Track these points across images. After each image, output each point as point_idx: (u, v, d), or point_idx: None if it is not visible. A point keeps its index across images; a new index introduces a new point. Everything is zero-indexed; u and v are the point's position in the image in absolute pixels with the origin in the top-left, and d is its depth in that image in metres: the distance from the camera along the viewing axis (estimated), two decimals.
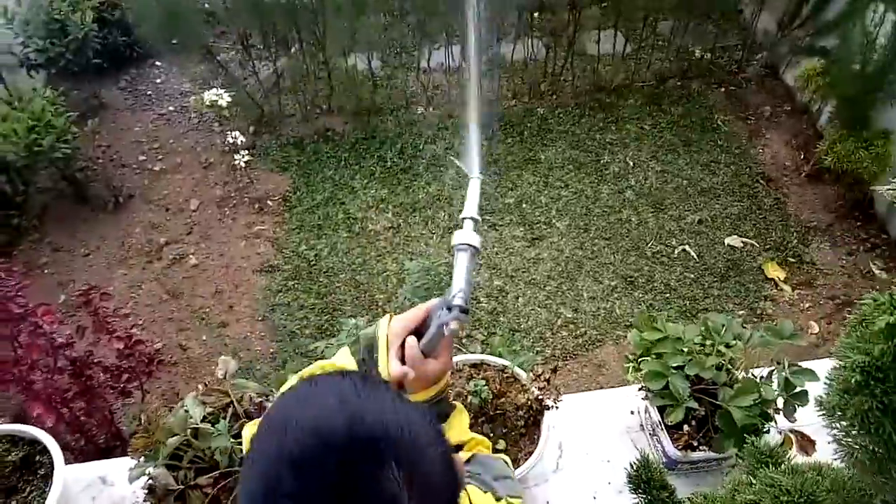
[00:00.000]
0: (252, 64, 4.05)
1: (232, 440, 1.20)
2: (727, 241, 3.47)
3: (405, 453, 0.59)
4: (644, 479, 1.23)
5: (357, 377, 0.66)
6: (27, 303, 1.95)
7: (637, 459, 1.26)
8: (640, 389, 1.49)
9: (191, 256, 3.47)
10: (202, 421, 1.23)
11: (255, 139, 4.02)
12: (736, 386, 1.39)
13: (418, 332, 0.96)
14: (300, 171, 3.86)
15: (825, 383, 0.83)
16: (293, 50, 4.07)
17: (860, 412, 0.74)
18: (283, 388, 0.86)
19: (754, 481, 0.79)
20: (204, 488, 1.21)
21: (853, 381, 0.73)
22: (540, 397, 1.38)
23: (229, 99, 3.28)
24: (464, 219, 0.97)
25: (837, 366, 0.80)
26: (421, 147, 3.98)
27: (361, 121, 4.16)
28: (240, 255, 3.49)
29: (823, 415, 0.81)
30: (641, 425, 1.58)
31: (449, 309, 0.90)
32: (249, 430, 0.89)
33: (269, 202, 3.73)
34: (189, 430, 1.21)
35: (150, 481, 1.19)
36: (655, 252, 3.43)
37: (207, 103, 3.17)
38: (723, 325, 1.51)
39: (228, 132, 3.48)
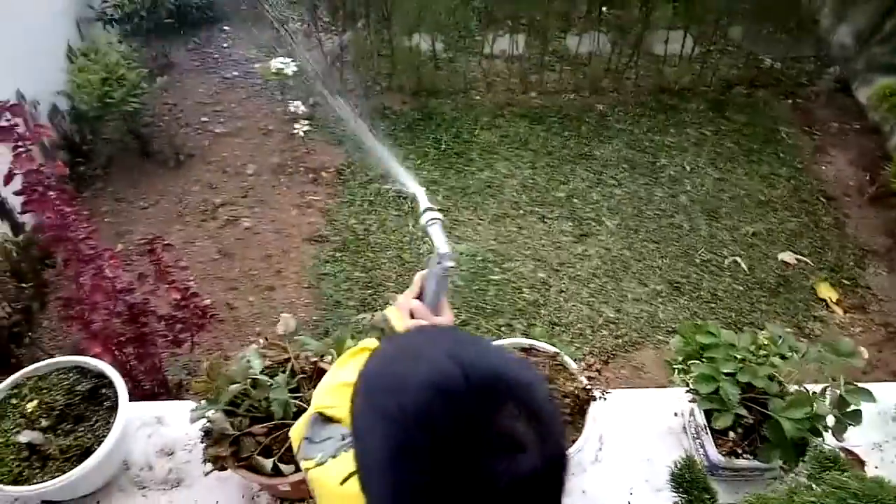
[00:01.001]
0: (318, 36, 4.11)
1: (289, 393, 1.25)
2: (780, 256, 3.39)
3: (519, 393, 0.62)
4: (687, 479, 1.23)
5: (449, 331, 0.68)
6: (95, 245, 2.04)
7: (681, 458, 1.26)
8: (687, 391, 1.48)
9: (244, 219, 3.56)
10: (261, 372, 1.27)
11: (313, 110, 4.08)
12: (788, 398, 1.38)
13: (419, 299, 1.10)
14: (355, 145, 3.91)
15: None
16: (359, 25, 4.11)
17: None
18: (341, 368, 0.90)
19: (815, 486, 0.78)
20: (258, 436, 1.25)
21: None
22: (588, 387, 1.38)
23: (295, 68, 3.33)
24: (421, 203, 1.12)
25: None
26: (476, 133, 3.99)
27: (419, 101, 4.18)
28: (291, 222, 3.56)
29: None
30: (684, 427, 1.57)
31: (440, 262, 1.06)
32: (297, 429, 0.91)
33: (323, 174, 3.78)
34: (248, 381, 1.25)
35: (208, 424, 1.25)
36: (705, 260, 3.37)
37: (273, 71, 3.23)
38: (779, 337, 1.49)
39: (290, 101, 3.53)
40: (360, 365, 0.77)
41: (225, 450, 1.21)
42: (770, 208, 3.63)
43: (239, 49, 4.60)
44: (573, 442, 1.33)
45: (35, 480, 1.30)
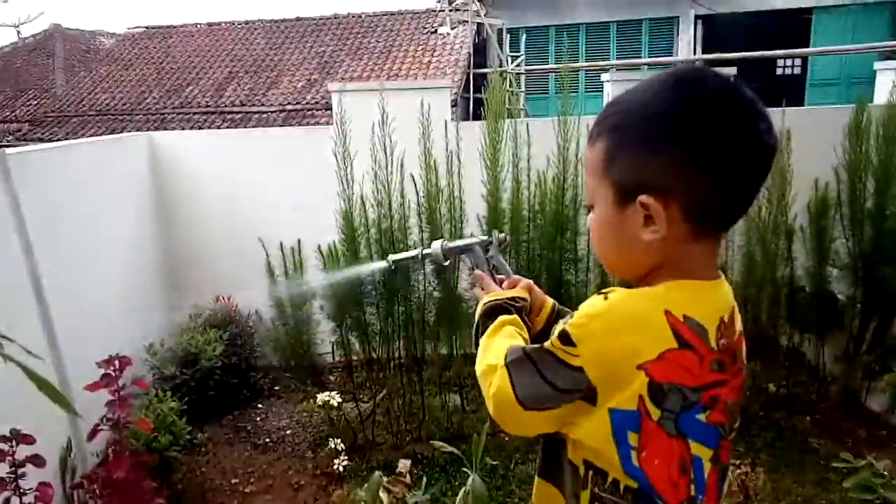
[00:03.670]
0: (354, 395, 4.39)
1: None
2: None
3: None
4: None
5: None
6: None
7: None
8: None
9: None
10: None
11: (346, 461, 4.08)
12: None
13: None
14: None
15: None
16: (393, 388, 4.43)
17: None
18: None
19: None
20: None
21: None
22: None
23: (340, 399, 3.52)
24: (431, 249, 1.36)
25: None
26: (511, 467, 3.95)
27: (451, 446, 4.22)
28: None
29: None
30: None
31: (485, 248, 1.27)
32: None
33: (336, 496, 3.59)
34: None
35: None
36: None
37: (319, 403, 3.41)
38: None
39: (330, 437, 3.61)
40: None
41: None
42: None
43: (271, 421, 4.80)
44: None
45: None
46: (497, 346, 1.01)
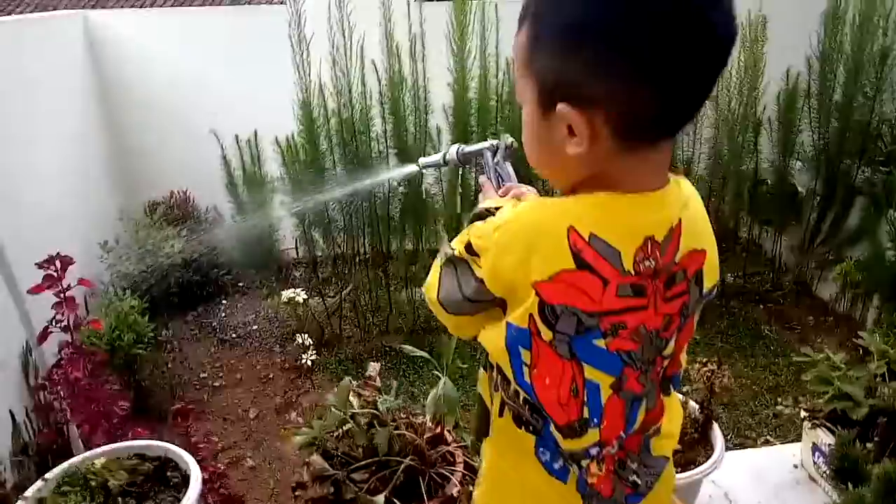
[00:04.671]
0: (320, 290, 4.37)
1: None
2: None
3: None
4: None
5: None
6: None
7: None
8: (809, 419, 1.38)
9: (248, 459, 3.32)
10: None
11: (314, 356, 4.12)
12: None
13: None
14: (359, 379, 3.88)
15: None
16: (359, 283, 4.41)
17: None
18: None
19: None
20: (358, 482, 1.08)
21: None
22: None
23: (305, 296, 3.49)
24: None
25: None
26: (478, 357, 4.04)
27: (417, 339, 4.30)
28: (298, 458, 3.32)
29: None
30: (811, 476, 1.41)
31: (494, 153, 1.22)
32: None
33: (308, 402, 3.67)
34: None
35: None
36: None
37: (285, 300, 3.37)
38: None
39: (297, 333, 3.61)
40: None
41: (326, 490, 1.04)
42: (779, 393, 3.65)
43: (237, 316, 4.78)
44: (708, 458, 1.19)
45: None
46: (447, 247, 0.94)
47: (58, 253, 2.31)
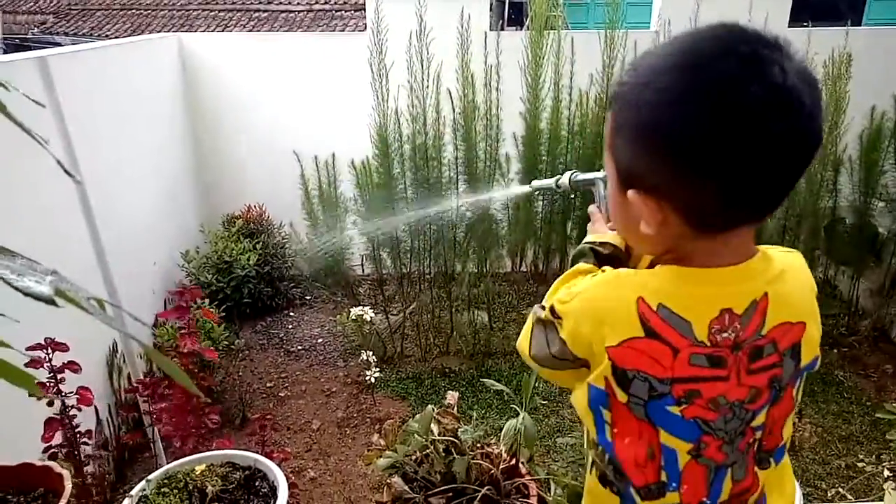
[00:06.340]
0: (384, 308, 4.48)
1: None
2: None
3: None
4: None
5: None
6: None
7: None
8: None
9: (309, 470, 3.42)
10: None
11: (378, 373, 4.22)
12: None
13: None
14: (419, 399, 3.96)
15: None
16: (422, 304, 4.50)
17: None
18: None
19: None
20: None
21: None
22: None
23: (373, 314, 3.59)
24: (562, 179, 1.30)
25: None
26: (538, 387, 4.05)
27: (476, 361, 4.35)
28: (357, 472, 3.41)
29: None
30: None
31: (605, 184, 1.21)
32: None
33: (386, 425, 3.75)
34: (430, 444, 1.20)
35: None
36: (805, 494, 3.13)
37: (353, 317, 3.48)
38: None
39: (362, 349, 3.72)
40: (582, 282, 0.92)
41: None
42: (852, 443, 3.50)
43: (303, 329, 4.94)
44: None
45: None
46: (538, 307, 0.99)
47: (191, 285, 2.54)
